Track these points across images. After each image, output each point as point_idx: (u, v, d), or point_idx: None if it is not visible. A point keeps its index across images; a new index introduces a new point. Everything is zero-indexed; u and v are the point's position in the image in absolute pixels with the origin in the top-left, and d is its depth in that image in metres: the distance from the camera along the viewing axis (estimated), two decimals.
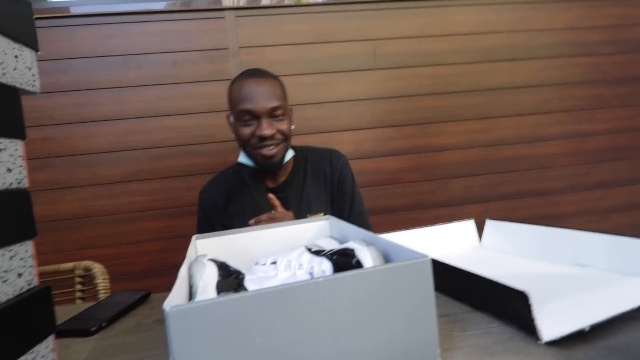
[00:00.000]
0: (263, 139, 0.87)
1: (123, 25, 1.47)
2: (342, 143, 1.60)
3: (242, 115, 0.88)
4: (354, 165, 1.13)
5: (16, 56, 0.37)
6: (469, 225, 0.73)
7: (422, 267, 0.32)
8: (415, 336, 0.32)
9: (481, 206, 1.68)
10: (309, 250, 0.48)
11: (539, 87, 1.71)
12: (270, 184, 0.99)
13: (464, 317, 0.43)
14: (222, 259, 0.47)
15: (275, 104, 0.88)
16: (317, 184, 1.00)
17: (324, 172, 1.02)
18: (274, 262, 0.47)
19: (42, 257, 1.06)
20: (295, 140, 1.09)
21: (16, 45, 0.37)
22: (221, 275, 0.40)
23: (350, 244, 0.44)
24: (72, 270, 0.91)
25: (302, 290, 0.29)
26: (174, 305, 0.26)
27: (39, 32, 0.39)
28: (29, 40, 0.39)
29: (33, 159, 1.42)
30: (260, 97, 0.87)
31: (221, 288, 0.38)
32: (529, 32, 1.71)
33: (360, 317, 0.30)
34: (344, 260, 0.41)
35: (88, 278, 0.90)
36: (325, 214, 0.96)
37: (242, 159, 0.95)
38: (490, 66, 1.69)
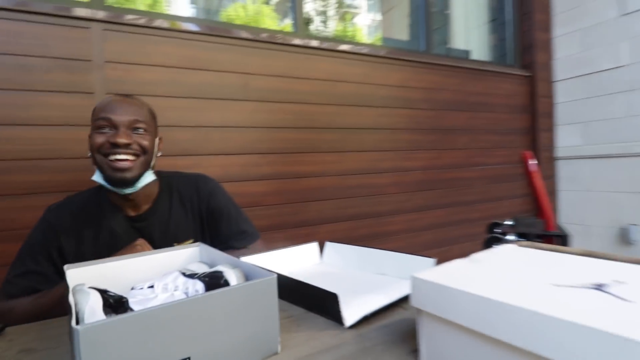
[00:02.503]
0: (116, 146, 0.82)
1: None
2: (211, 167, 1.68)
3: (100, 122, 0.83)
4: None
5: None
6: (313, 246, 0.94)
7: (270, 282, 0.48)
8: (265, 331, 0.47)
9: (331, 226, 1.98)
10: (183, 274, 0.58)
11: (376, 130, 2.14)
12: (132, 213, 0.93)
13: (301, 316, 0.61)
14: (102, 286, 0.53)
15: (138, 117, 0.86)
16: (185, 211, 0.98)
17: (191, 199, 0.99)
18: (151, 286, 0.56)
19: None
20: (164, 161, 1.06)
21: None
22: (105, 300, 0.47)
23: (219, 267, 0.56)
24: None
25: (188, 304, 0.41)
26: (84, 324, 0.35)
27: None
28: None
29: None
30: (124, 110, 0.85)
31: (108, 311, 0.46)
32: (371, 85, 2.12)
33: (228, 320, 0.44)
34: (214, 281, 0.53)
35: None
36: (194, 241, 0.92)
37: (97, 177, 0.87)
38: (342, 109, 2.03)
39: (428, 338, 0.45)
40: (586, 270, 0.44)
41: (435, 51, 2.51)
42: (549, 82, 2.79)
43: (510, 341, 0.35)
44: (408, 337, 0.52)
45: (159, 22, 1.58)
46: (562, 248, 0.77)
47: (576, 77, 2.67)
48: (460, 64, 2.45)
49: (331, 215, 1.99)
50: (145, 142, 0.87)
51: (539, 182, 1.17)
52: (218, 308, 0.43)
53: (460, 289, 0.39)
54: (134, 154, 0.85)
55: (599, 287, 0.38)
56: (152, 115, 0.95)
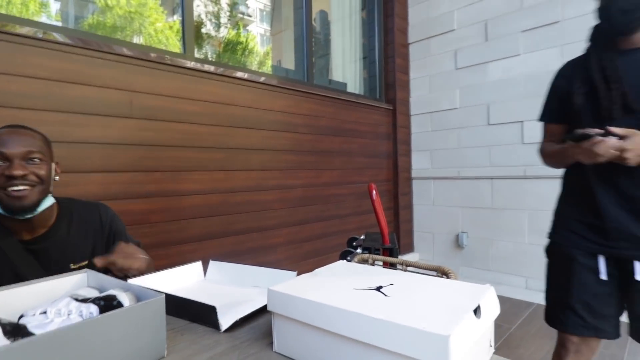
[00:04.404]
0: (12, 178, 0.86)
1: None
2: (90, 184, 1.64)
3: None
4: None
5: None
6: (197, 265, 1.06)
7: (159, 302, 0.61)
8: (154, 340, 0.60)
9: (218, 241, 2.08)
10: (76, 299, 0.66)
11: (262, 151, 2.33)
12: (27, 236, 0.96)
13: (184, 327, 0.74)
14: None
15: (31, 148, 0.90)
16: (84, 235, 1.04)
17: (92, 224, 1.07)
18: (44, 312, 0.63)
19: None
20: None
21: None
22: (3, 327, 0.54)
23: (111, 291, 0.66)
24: None
25: (88, 325, 0.52)
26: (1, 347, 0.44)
27: None
28: None
29: None
30: (16, 142, 0.88)
31: (8, 337, 0.53)
32: (258, 110, 2.31)
33: (124, 335, 0.56)
34: (108, 304, 0.63)
35: None
36: (89, 262, 1.01)
37: None
38: (230, 130, 2.16)
39: (278, 332, 0.64)
40: (378, 277, 0.69)
41: (317, 80, 2.83)
42: (407, 115, 3.39)
43: (322, 326, 0.56)
44: (268, 333, 0.70)
45: (31, 31, 1.50)
46: (387, 258, 1.07)
47: (426, 113, 3.31)
48: (337, 95, 2.82)
49: (218, 230, 2.09)
50: (42, 172, 0.92)
51: (379, 207, 1.50)
52: (114, 326, 0.55)
53: (297, 295, 0.60)
54: (30, 185, 0.89)
55: (378, 289, 0.62)
56: (47, 143, 0.99)
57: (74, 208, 1.07)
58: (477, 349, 0.54)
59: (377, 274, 0.72)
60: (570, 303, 1.07)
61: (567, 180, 1.16)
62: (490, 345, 0.61)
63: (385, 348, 0.49)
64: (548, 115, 1.17)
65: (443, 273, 0.95)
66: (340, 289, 0.63)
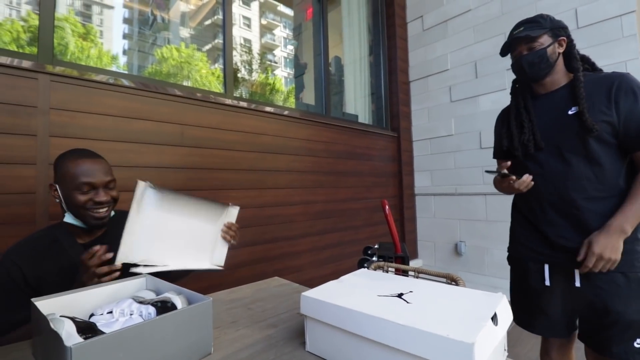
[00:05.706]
0: (99, 203, 0.91)
1: None
2: None
3: (81, 186, 0.89)
4: None
5: None
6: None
7: (207, 305, 0.59)
8: (202, 338, 0.57)
9: (251, 249, 2.06)
10: (136, 300, 0.65)
11: (288, 172, 2.32)
12: (86, 239, 0.98)
13: (227, 326, 0.71)
14: (66, 314, 0.57)
15: (110, 177, 0.95)
16: None
17: None
18: (110, 312, 0.62)
19: None
20: None
21: None
22: (77, 325, 0.53)
23: (166, 294, 0.65)
24: None
25: (149, 324, 0.50)
26: (77, 343, 0.42)
27: None
28: None
29: None
30: (100, 172, 0.93)
31: (82, 333, 0.51)
32: (285, 138, 2.32)
33: (177, 333, 0.54)
34: (164, 305, 0.62)
35: None
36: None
37: (70, 219, 0.92)
38: (262, 155, 2.17)
39: (310, 333, 0.60)
40: (398, 284, 0.65)
41: (333, 113, 2.84)
42: (410, 141, 3.35)
43: (352, 330, 0.52)
44: (300, 334, 0.67)
45: (104, 78, 1.56)
46: (401, 266, 1.02)
47: (426, 139, 3.26)
48: (350, 125, 2.81)
49: (251, 239, 2.08)
50: (115, 194, 0.97)
51: (391, 220, 1.46)
52: (170, 325, 0.53)
53: (327, 301, 0.56)
54: (108, 206, 0.95)
55: (399, 295, 0.59)
56: (111, 168, 1.01)
57: (120, 214, 1.05)
58: (496, 354, 0.49)
59: (396, 281, 0.68)
60: (532, 307, 1.02)
61: (515, 204, 1.14)
62: (505, 350, 0.56)
63: (411, 352, 0.45)
64: (495, 153, 1.21)
65: (452, 280, 0.89)
66: (365, 295, 0.60)
